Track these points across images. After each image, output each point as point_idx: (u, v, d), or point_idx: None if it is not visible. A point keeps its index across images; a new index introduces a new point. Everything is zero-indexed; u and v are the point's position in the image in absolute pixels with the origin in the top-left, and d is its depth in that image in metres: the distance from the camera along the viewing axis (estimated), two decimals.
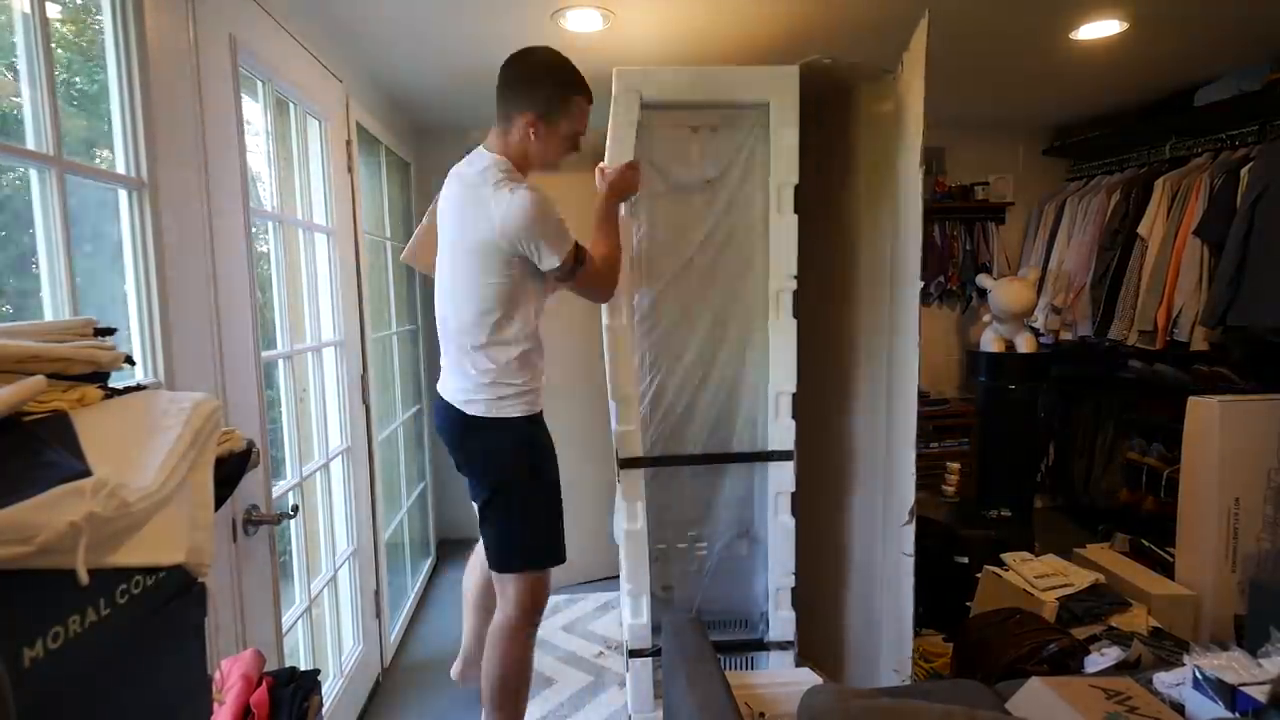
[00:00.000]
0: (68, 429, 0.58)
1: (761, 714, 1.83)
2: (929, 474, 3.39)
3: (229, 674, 1.10)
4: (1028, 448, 3.47)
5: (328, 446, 2.10)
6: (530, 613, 1.73)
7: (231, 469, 0.79)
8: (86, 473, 0.51)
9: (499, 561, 1.71)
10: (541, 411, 1.73)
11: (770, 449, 1.97)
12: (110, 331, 0.77)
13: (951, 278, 3.90)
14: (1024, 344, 3.40)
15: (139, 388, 0.78)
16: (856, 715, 1.01)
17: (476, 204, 1.58)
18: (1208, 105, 2.96)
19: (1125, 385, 3.52)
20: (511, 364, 1.63)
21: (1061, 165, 3.97)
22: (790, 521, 1.96)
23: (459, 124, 3.31)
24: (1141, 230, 3.13)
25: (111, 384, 0.75)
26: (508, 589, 1.72)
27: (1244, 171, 2.73)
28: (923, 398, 3.65)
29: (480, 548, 1.96)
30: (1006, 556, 2.40)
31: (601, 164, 1.83)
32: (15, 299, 1.06)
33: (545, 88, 1.60)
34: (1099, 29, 2.36)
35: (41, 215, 1.02)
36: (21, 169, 1.03)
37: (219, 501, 0.71)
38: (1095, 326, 3.36)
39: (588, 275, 1.64)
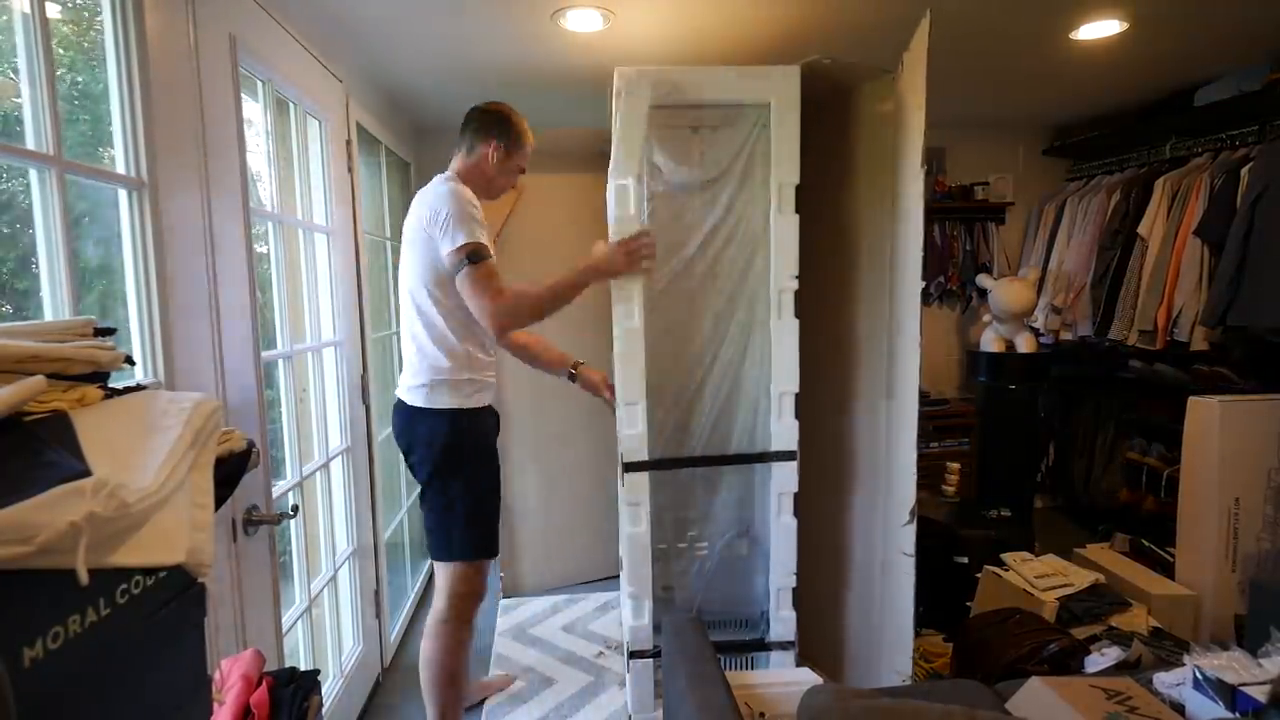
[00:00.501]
0: (68, 429, 0.58)
1: (761, 714, 1.83)
2: (929, 474, 3.39)
3: (229, 674, 1.09)
4: (1028, 448, 3.47)
5: (328, 446, 2.10)
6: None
7: (231, 469, 0.79)
8: (86, 473, 0.51)
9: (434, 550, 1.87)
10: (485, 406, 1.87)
11: (773, 449, 1.97)
12: (110, 331, 0.77)
13: (951, 278, 3.90)
14: (1024, 344, 3.40)
15: (139, 388, 0.78)
16: (856, 715, 1.01)
17: (420, 205, 1.77)
18: (1208, 105, 2.96)
19: (1125, 385, 3.52)
20: (448, 362, 1.77)
21: (1061, 165, 3.97)
22: (792, 522, 1.96)
23: (459, 124, 3.30)
24: (1141, 230, 3.13)
25: (111, 384, 0.75)
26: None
27: (1244, 171, 2.73)
28: (923, 398, 3.65)
29: None
30: (1006, 556, 2.40)
31: (602, 241, 1.87)
32: (16, 299, 1.06)
33: (512, 128, 1.90)
34: (1099, 29, 2.36)
35: (41, 215, 1.02)
36: (21, 169, 1.03)
37: (219, 501, 0.71)
38: (1095, 326, 3.36)
39: (477, 281, 1.67)
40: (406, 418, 1.81)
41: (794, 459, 1.95)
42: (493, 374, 1.89)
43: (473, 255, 1.67)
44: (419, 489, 1.88)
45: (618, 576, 2.05)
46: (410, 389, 1.80)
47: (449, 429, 1.77)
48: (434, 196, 1.73)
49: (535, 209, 2.86)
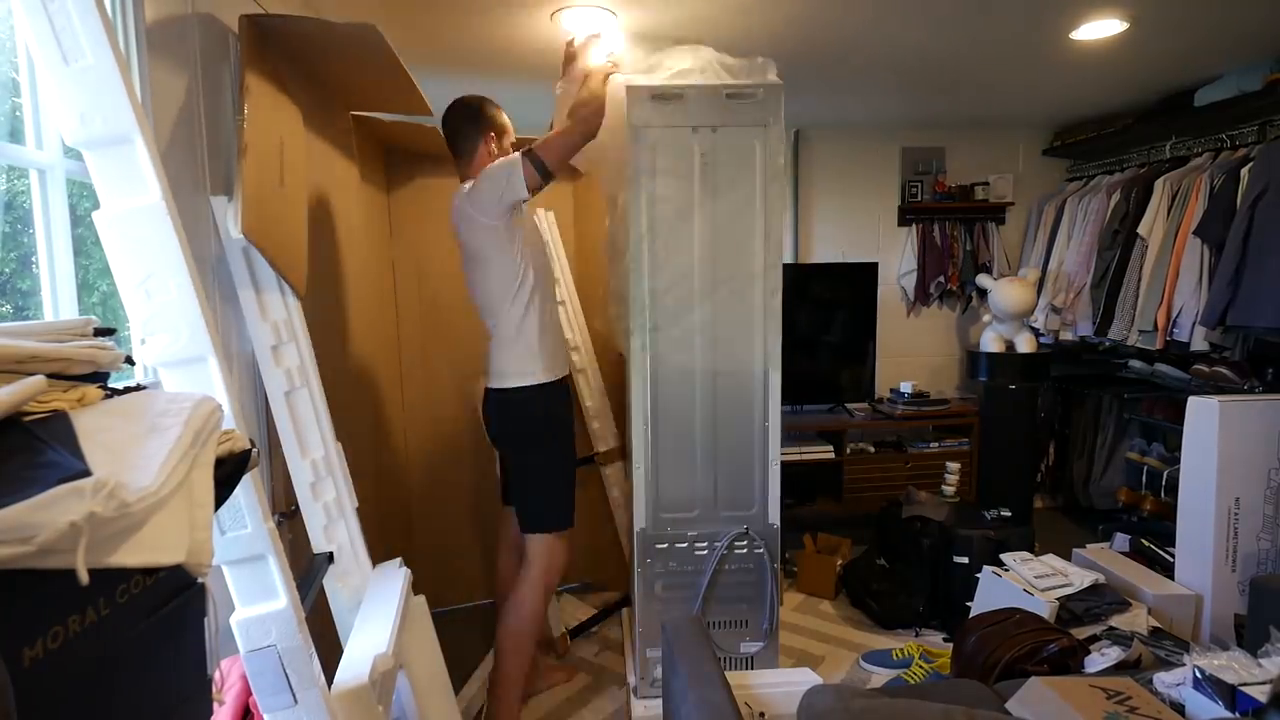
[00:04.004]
0: (68, 429, 0.58)
1: (761, 714, 1.83)
2: (929, 474, 3.40)
3: (229, 674, 1.10)
4: (1028, 448, 3.47)
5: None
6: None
7: (232, 469, 0.79)
8: (86, 473, 0.51)
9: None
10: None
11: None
12: (110, 332, 0.77)
13: (951, 278, 3.90)
14: (1024, 344, 3.40)
15: (139, 388, 0.78)
16: (857, 715, 1.01)
17: (461, 214, 1.89)
18: (1207, 105, 2.96)
19: (1125, 385, 3.52)
20: (524, 342, 1.92)
21: (1061, 165, 3.97)
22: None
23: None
24: (1141, 230, 3.13)
25: (111, 384, 0.74)
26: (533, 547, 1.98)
27: (1244, 171, 2.73)
28: (923, 397, 3.67)
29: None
30: (1006, 556, 2.40)
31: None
32: (16, 299, 1.06)
33: (485, 112, 1.97)
34: (1099, 29, 2.36)
35: (42, 215, 1.02)
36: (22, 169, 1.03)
37: (219, 502, 0.71)
38: (1095, 326, 3.36)
39: (548, 147, 1.82)
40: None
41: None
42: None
43: (528, 151, 1.81)
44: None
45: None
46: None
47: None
48: (464, 199, 1.89)
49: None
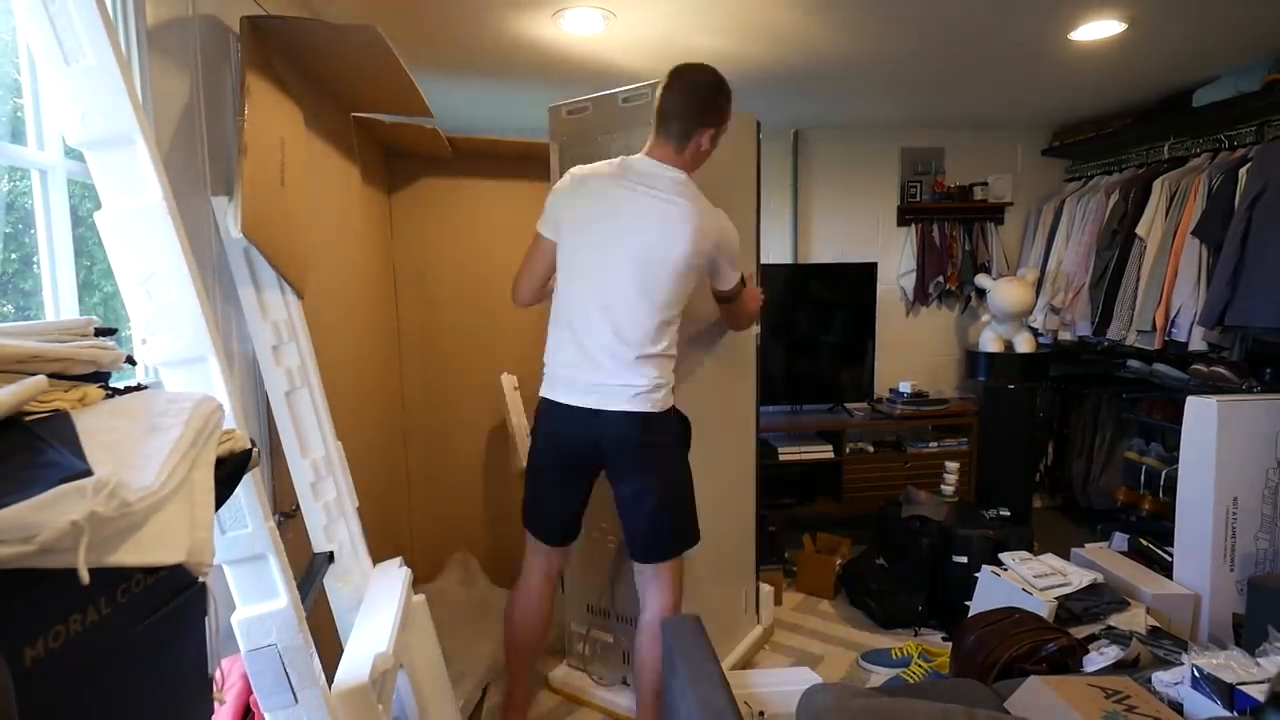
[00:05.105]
0: (69, 428, 0.58)
1: (761, 713, 1.83)
2: (928, 474, 3.40)
3: (230, 673, 1.10)
4: (1027, 448, 3.47)
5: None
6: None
7: (232, 469, 0.79)
8: (88, 472, 0.51)
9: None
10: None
11: None
12: (111, 332, 0.78)
13: (951, 278, 3.90)
14: (1023, 344, 3.40)
15: (140, 388, 0.78)
16: (856, 715, 1.01)
17: (674, 216, 1.65)
18: (1206, 105, 2.96)
19: (1124, 385, 3.52)
20: (670, 366, 1.75)
21: (1061, 165, 3.97)
22: None
23: (456, 125, 3.31)
24: (1140, 230, 3.13)
25: (113, 384, 0.75)
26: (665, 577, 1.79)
27: (1242, 172, 2.73)
28: (922, 397, 3.67)
29: (543, 572, 1.91)
30: (1005, 556, 2.40)
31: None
32: (18, 299, 1.06)
33: (726, 102, 1.69)
34: (1099, 29, 2.36)
35: (44, 215, 1.02)
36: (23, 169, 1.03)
37: (220, 501, 0.71)
38: (1094, 326, 3.36)
39: (744, 302, 1.89)
40: (639, 425, 1.74)
41: None
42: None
43: (743, 281, 1.86)
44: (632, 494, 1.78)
45: None
46: (637, 398, 1.72)
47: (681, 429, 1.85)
48: (705, 223, 1.66)
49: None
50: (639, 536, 1.77)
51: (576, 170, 1.76)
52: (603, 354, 1.68)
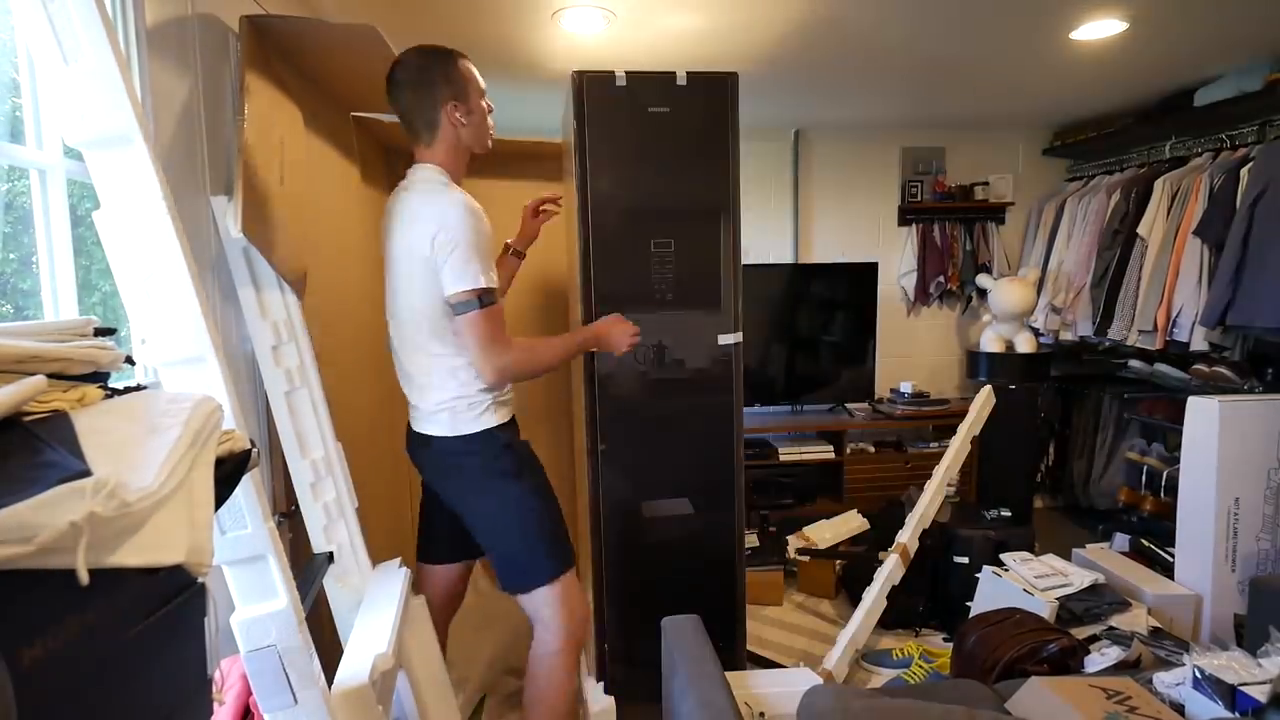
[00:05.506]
0: (68, 429, 0.58)
1: (761, 714, 1.83)
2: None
3: (229, 674, 1.10)
4: (1028, 448, 3.47)
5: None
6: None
7: (232, 469, 0.79)
8: (87, 472, 0.51)
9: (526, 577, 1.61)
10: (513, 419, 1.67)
11: None
12: (110, 332, 0.77)
13: (951, 278, 3.90)
14: (1024, 344, 3.40)
15: (139, 388, 0.78)
16: (857, 715, 1.01)
17: (411, 214, 1.50)
18: (1207, 105, 2.96)
19: (1126, 385, 3.52)
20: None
21: (1061, 165, 3.97)
22: None
23: None
24: (1141, 230, 3.13)
25: (112, 384, 0.75)
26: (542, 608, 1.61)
27: (1244, 171, 2.73)
28: (923, 397, 3.67)
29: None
30: (1006, 556, 2.40)
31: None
32: (17, 299, 1.06)
33: (439, 69, 1.53)
34: (1099, 29, 2.36)
35: (43, 215, 1.02)
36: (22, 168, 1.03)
37: (219, 501, 0.71)
38: (1095, 326, 3.36)
39: (480, 329, 1.48)
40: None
41: None
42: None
43: (484, 297, 1.47)
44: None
45: None
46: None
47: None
48: (438, 210, 1.46)
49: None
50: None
51: None
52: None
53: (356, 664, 1.21)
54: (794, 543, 2.99)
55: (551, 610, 1.59)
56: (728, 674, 1.27)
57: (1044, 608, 2.09)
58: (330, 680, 1.14)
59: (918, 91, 3.11)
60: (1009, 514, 2.81)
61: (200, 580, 0.68)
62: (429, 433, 1.61)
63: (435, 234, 1.44)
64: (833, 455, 3.48)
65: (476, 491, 1.60)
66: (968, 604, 2.42)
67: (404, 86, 1.53)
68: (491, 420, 1.59)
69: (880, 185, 3.90)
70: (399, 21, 2.18)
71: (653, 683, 1.54)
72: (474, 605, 2.54)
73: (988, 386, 2.77)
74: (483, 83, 1.61)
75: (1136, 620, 2.09)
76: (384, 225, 1.59)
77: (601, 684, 2.02)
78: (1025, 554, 2.42)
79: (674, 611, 1.52)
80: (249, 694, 1.05)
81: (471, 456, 1.58)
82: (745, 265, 2.03)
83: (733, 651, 2.07)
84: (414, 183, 1.55)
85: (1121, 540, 2.75)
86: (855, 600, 2.84)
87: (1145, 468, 3.25)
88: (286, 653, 1.00)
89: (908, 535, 2.50)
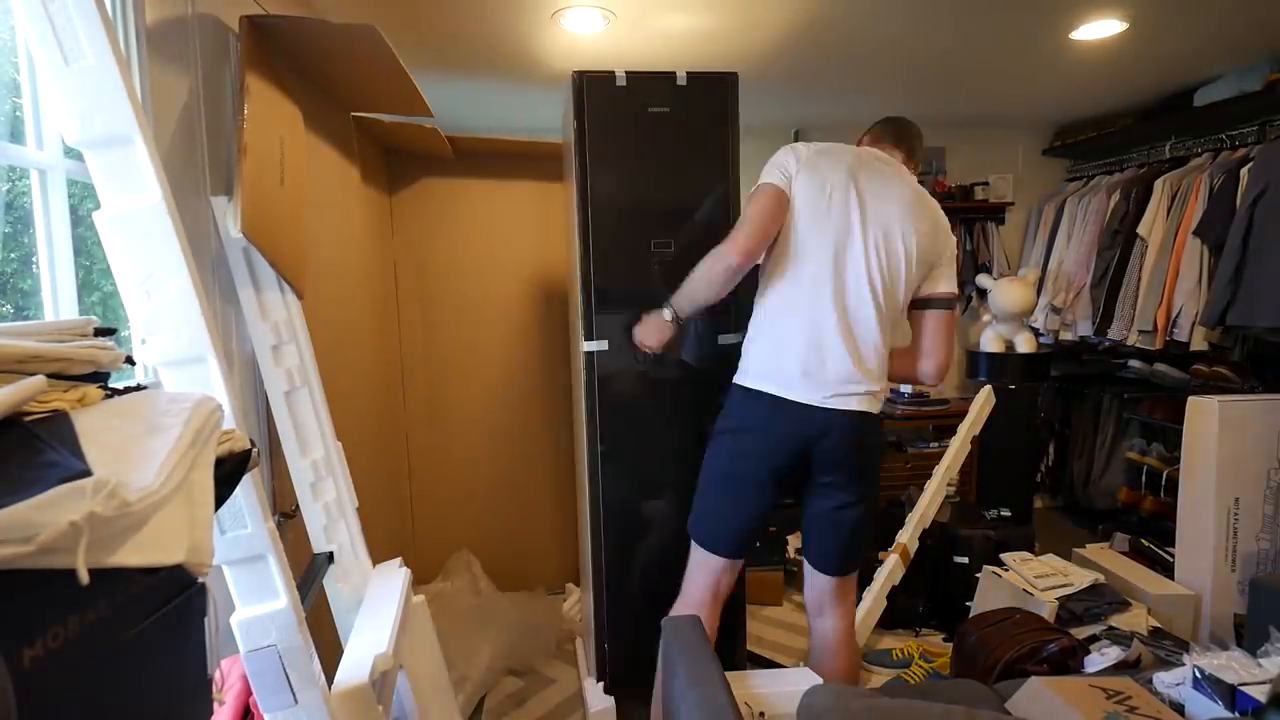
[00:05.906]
0: (68, 429, 0.58)
1: (761, 714, 1.83)
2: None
3: (229, 674, 1.10)
4: (1028, 448, 3.47)
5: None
6: None
7: (232, 469, 0.79)
8: (87, 472, 0.51)
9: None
10: None
11: None
12: (110, 332, 0.77)
13: None
14: (1024, 344, 3.40)
15: (139, 388, 0.78)
16: (857, 715, 1.01)
17: (930, 213, 1.81)
18: (1207, 105, 2.96)
19: (1125, 385, 3.52)
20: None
21: (1061, 165, 3.97)
22: None
23: (456, 124, 3.31)
24: (1141, 230, 3.13)
25: (112, 384, 0.75)
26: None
27: (1244, 171, 2.73)
28: (923, 398, 3.66)
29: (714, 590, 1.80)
30: (1006, 556, 2.40)
31: None
32: (17, 299, 1.06)
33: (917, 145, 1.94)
34: (1099, 29, 2.36)
35: (43, 215, 1.02)
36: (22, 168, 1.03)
37: (219, 501, 0.71)
38: (1095, 326, 3.36)
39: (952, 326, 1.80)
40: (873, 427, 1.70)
41: None
42: None
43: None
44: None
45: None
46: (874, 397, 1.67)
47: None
48: (944, 222, 1.85)
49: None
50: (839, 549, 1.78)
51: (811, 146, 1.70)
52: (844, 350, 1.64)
53: (356, 664, 1.20)
54: (794, 543, 2.99)
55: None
56: (728, 674, 1.27)
57: (1044, 608, 2.09)
58: (330, 680, 1.14)
59: (918, 91, 3.11)
60: (1009, 514, 2.81)
61: (200, 580, 0.68)
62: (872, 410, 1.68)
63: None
64: None
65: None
66: (968, 604, 2.42)
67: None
68: None
69: None
70: (399, 21, 2.18)
71: (653, 683, 1.54)
72: (474, 605, 2.54)
73: (988, 386, 2.78)
74: None
75: (1136, 620, 2.09)
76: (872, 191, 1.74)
77: (601, 684, 2.03)
78: (1025, 554, 2.42)
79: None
80: (249, 694, 1.05)
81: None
82: None
83: (733, 651, 2.06)
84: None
85: (1121, 540, 2.75)
86: (855, 601, 2.84)
87: (1145, 468, 3.25)
88: (286, 653, 1.00)
89: (908, 535, 2.50)
